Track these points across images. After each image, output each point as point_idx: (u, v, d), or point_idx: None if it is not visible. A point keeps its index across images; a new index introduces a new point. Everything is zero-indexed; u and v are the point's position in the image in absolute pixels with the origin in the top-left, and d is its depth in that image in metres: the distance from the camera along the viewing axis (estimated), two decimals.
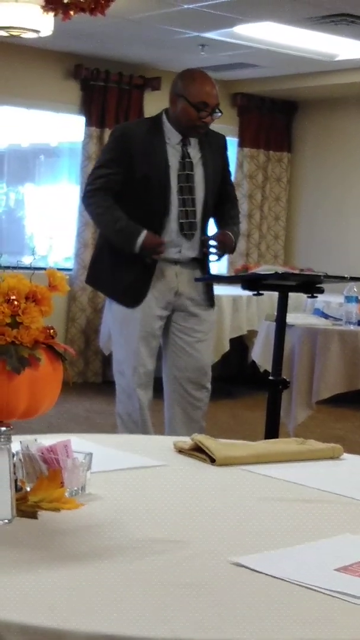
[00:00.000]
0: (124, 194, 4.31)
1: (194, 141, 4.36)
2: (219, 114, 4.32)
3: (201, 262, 4.40)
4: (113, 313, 4.46)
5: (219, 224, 4.49)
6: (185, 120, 4.28)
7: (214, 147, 4.45)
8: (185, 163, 4.34)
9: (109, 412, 6.89)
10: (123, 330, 4.39)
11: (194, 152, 4.36)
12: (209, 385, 4.49)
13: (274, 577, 1.40)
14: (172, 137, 4.33)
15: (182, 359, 4.43)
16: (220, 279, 4.29)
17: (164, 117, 4.36)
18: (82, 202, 4.52)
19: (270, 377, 4.11)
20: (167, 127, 4.34)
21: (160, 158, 4.30)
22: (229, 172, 4.60)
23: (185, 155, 4.34)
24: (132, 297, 4.35)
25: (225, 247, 4.37)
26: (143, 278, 4.32)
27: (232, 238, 4.40)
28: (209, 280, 4.30)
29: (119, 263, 4.34)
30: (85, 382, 8.33)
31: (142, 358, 4.36)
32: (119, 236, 4.30)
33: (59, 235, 8.81)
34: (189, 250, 4.36)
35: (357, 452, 2.35)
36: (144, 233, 4.22)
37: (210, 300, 4.49)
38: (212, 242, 4.35)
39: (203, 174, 4.38)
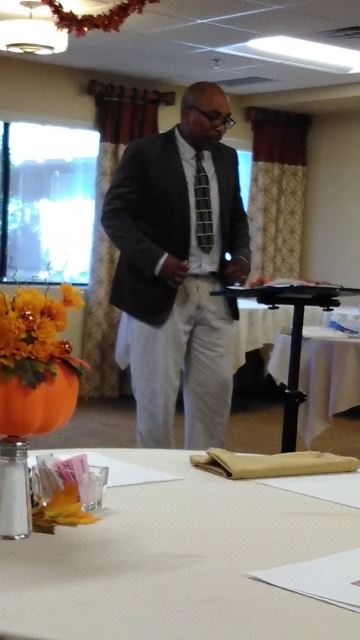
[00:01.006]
0: (142, 212, 4.29)
1: (207, 155, 4.37)
2: (232, 122, 4.33)
3: (220, 275, 4.40)
4: (135, 330, 4.42)
5: (230, 247, 4.47)
6: (199, 131, 4.28)
7: (227, 161, 4.46)
8: (201, 177, 4.34)
9: (125, 427, 6.89)
10: (148, 348, 4.35)
11: (208, 166, 4.37)
12: (229, 400, 4.48)
13: (291, 591, 1.39)
14: (186, 152, 4.34)
15: (204, 374, 4.41)
16: (236, 293, 4.28)
17: (177, 132, 4.37)
18: (101, 223, 4.47)
19: (287, 391, 4.10)
20: (181, 142, 4.34)
21: (177, 173, 4.30)
22: (239, 187, 4.61)
23: (200, 169, 4.35)
24: (156, 316, 4.32)
25: (242, 273, 4.37)
26: (167, 296, 4.30)
27: (246, 262, 4.40)
28: (225, 294, 4.29)
29: (141, 282, 4.32)
30: (102, 397, 8.34)
31: (169, 375, 4.35)
32: (139, 258, 4.28)
33: (75, 251, 8.84)
34: (208, 264, 4.36)
35: None
36: (164, 256, 4.21)
37: (233, 313, 4.48)
38: (230, 270, 4.33)
39: (218, 187, 4.39)
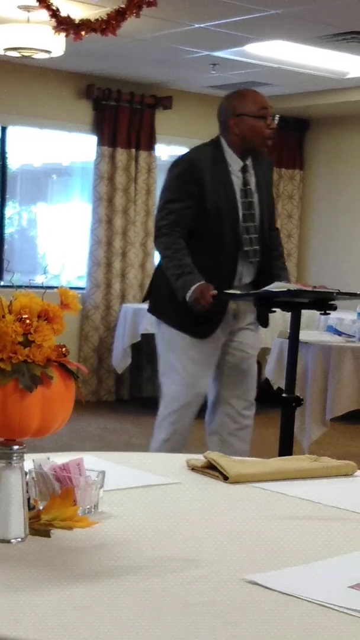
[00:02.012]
0: (195, 228, 4.24)
1: (249, 166, 4.33)
2: (278, 117, 4.34)
3: (255, 284, 4.36)
4: (170, 338, 4.37)
5: (269, 269, 4.42)
6: (255, 136, 4.25)
7: (265, 171, 4.44)
8: (247, 190, 4.31)
9: (122, 431, 6.89)
10: (182, 357, 4.32)
11: (250, 178, 4.34)
12: (254, 402, 4.49)
13: (289, 594, 1.39)
14: (234, 163, 4.29)
15: (233, 377, 4.42)
16: (234, 297, 4.27)
17: (224, 143, 4.31)
18: (155, 238, 4.37)
19: (284, 395, 4.10)
20: (228, 153, 4.29)
21: (228, 187, 4.26)
22: (273, 198, 4.57)
23: (246, 182, 4.31)
24: (204, 328, 4.29)
25: None
26: (217, 312, 4.27)
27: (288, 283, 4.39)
28: (224, 297, 4.29)
29: None
30: (99, 401, 8.34)
31: (202, 388, 4.36)
32: (176, 282, 4.21)
33: (72, 254, 8.84)
34: (248, 276, 4.35)
35: None
36: (197, 284, 4.14)
37: (263, 321, 4.48)
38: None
39: (258, 199, 4.35)
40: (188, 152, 4.41)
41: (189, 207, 4.22)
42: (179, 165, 4.34)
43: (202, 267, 4.21)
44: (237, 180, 4.28)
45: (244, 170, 4.31)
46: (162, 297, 4.37)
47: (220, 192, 4.23)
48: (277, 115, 4.34)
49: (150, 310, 4.54)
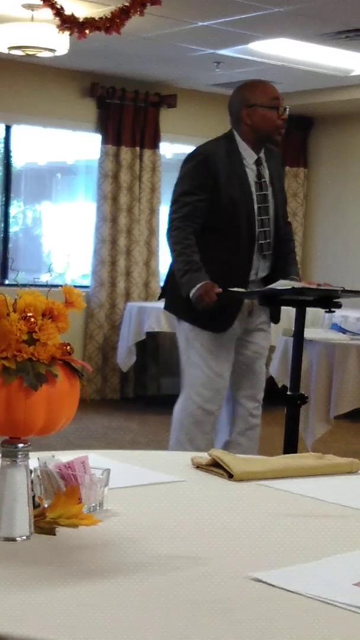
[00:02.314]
0: (210, 222, 4.23)
1: (263, 159, 4.32)
2: (287, 108, 4.33)
3: (269, 278, 4.34)
4: (191, 335, 4.36)
5: (280, 261, 4.42)
6: (267, 126, 4.25)
7: (275, 163, 4.43)
8: (262, 183, 4.30)
9: (127, 429, 6.89)
10: (203, 353, 4.32)
11: (264, 171, 4.33)
12: (261, 401, 4.49)
13: (293, 592, 1.39)
14: (248, 157, 4.29)
15: (243, 376, 4.42)
16: (238, 295, 4.27)
17: (237, 136, 4.30)
18: (167, 231, 4.33)
19: (289, 393, 4.10)
20: (243, 146, 4.28)
21: (243, 180, 4.24)
22: (285, 191, 4.56)
23: (260, 175, 4.30)
24: (221, 324, 4.29)
25: None
26: (234, 306, 4.28)
27: (297, 278, 4.38)
28: (227, 295, 4.28)
29: None
30: (103, 399, 8.34)
31: (224, 381, 4.36)
32: (182, 277, 4.21)
33: (76, 253, 8.84)
34: (263, 270, 4.34)
35: None
36: (202, 282, 4.14)
37: (274, 317, 4.47)
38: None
39: (272, 193, 4.35)
40: (202, 145, 4.38)
41: (203, 200, 4.21)
42: (194, 158, 4.32)
43: (218, 262, 4.21)
44: (251, 174, 4.28)
45: (258, 163, 4.30)
46: (178, 293, 4.35)
47: (236, 185, 4.22)
48: (287, 107, 4.33)
49: (167, 307, 4.54)
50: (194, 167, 4.27)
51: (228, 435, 4.45)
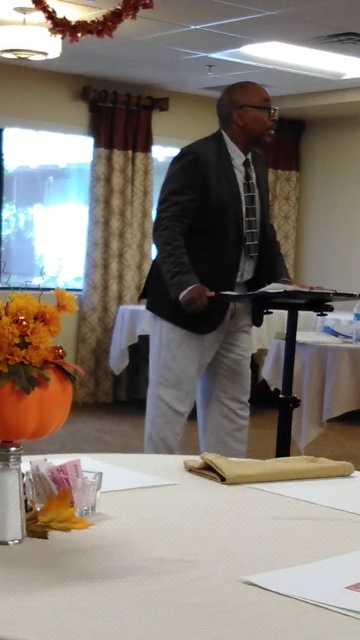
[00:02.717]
0: (198, 223, 4.21)
1: (250, 161, 4.32)
2: (277, 110, 4.33)
3: (253, 281, 4.35)
4: (167, 335, 4.34)
5: (269, 266, 4.42)
6: (258, 127, 4.25)
7: (261, 165, 4.43)
8: (250, 185, 4.29)
9: (119, 432, 6.89)
10: (178, 355, 4.31)
11: (252, 173, 4.33)
12: (248, 403, 4.49)
13: (285, 595, 1.39)
14: (236, 157, 4.28)
15: (227, 378, 4.41)
16: (230, 298, 4.27)
17: (226, 137, 4.29)
18: (154, 230, 4.31)
19: (281, 396, 4.11)
20: (232, 147, 4.27)
21: (231, 181, 4.24)
22: (268, 194, 4.57)
23: (249, 177, 4.30)
24: (205, 326, 4.27)
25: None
26: (219, 308, 4.26)
27: (288, 280, 4.38)
28: (219, 298, 4.28)
29: None
30: (96, 403, 8.33)
31: (194, 384, 4.35)
32: (171, 279, 4.18)
33: (69, 256, 8.84)
34: (248, 272, 4.33)
35: None
36: (193, 285, 4.12)
37: (256, 320, 4.47)
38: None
39: (259, 194, 4.35)
40: (191, 145, 4.36)
41: (193, 200, 4.19)
42: (183, 158, 4.30)
43: (206, 263, 4.20)
44: (240, 175, 4.28)
45: (246, 164, 4.30)
46: (161, 293, 4.35)
47: (225, 186, 4.22)
48: (276, 108, 4.34)
49: (148, 307, 4.52)
50: (184, 166, 4.25)
51: (214, 437, 4.44)
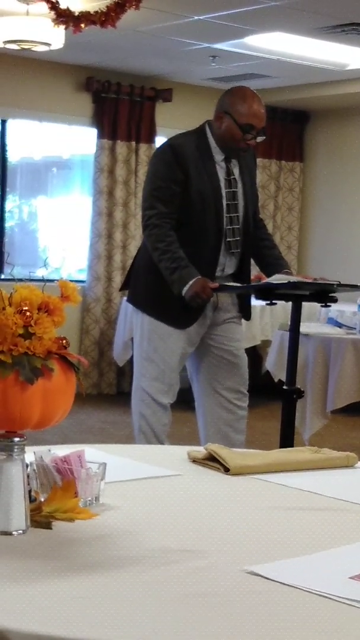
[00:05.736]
0: (178, 217, 4.18)
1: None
2: (264, 137, 4.24)
3: (237, 276, 4.34)
4: (149, 328, 4.34)
5: (262, 260, 4.42)
6: (228, 139, 4.18)
7: (248, 162, 4.38)
8: (231, 180, 4.26)
9: (123, 423, 6.90)
10: (160, 348, 4.30)
11: (234, 168, 4.30)
12: (247, 393, 4.48)
13: (289, 585, 1.39)
14: (217, 153, 4.24)
15: (223, 370, 4.40)
16: (233, 289, 4.26)
17: (209, 132, 4.26)
18: (143, 229, 4.29)
19: (285, 387, 4.10)
20: (212, 142, 4.24)
21: (212, 176, 4.20)
22: (257, 190, 4.54)
23: (230, 172, 4.26)
24: (184, 320, 4.26)
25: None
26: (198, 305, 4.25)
27: (290, 271, 4.36)
28: (222, 291, 4.27)
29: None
30: (100, 394, 8.34)
31: (177, 376, 4.35)
32: (171, 276, 4.16)
33: (72, 247, 8.84)
34: (229, 267, 4.31)
35: None
36: (195, 278, 4.10)
37: (245, 312, 4.46)
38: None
39: (243, 191, 4.31)
40: (171, 139, 4.34)
41: (176, 195, 4.16)
42: (163, 152, 4.27)
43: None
44: (221, 170, 4.24)
45: (227, 160, 4.28)
46: (141, 286, 4.35)
47: (205, 181, 4.19)
48: (264, 137, 4.26)
49: (129, 299, 4.53)
50: (165, 161, 4.22)
51: (214, 427, 4.44)
